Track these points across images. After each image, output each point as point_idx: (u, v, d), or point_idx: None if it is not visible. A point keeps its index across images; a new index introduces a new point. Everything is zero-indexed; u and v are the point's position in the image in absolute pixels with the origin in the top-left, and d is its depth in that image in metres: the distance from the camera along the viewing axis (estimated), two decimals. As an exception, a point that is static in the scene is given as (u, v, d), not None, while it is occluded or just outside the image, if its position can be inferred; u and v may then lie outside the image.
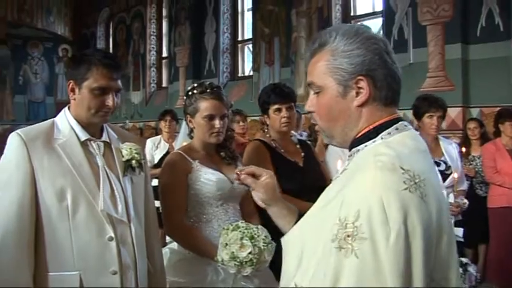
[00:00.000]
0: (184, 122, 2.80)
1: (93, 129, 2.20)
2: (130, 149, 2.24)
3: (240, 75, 11.34)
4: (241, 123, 6.23)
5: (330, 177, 3.28)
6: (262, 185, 1.70)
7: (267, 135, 3.22)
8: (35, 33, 14.77)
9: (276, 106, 3.14)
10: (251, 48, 10.62)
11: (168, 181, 2.61)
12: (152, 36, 13.42)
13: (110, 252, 2.07)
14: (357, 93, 1.38)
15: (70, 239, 2.04)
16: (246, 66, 11.30)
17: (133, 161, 2.23)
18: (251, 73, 10.60)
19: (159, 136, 6.52)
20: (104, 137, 2.24)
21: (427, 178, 1.28)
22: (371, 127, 1.40)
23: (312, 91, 1.46)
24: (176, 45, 12.09)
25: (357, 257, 1.17)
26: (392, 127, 1.39)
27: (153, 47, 13.40)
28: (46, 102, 15.78)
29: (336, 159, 3.31)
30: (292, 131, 3.37)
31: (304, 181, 3.07)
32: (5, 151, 2.09)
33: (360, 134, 1.41)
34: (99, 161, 2.17)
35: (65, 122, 2.17)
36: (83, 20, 15.75)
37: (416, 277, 1.19)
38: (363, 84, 1.37)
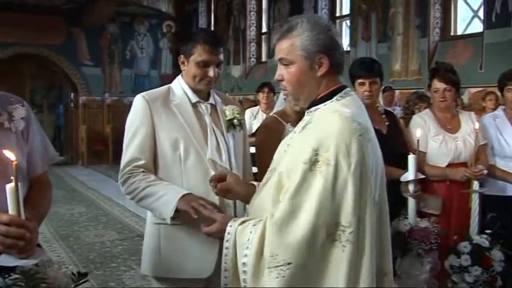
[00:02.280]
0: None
1: (201, 94, 2.63)
2: (232, 110, 2.67)
3: (337, 50, 11.40)
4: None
5: (413, 146, 3.49)
6: (232, 182, 2.17)
7: None
8: (141, 10, 15.44)
9: (361, 80, 3.41)
10: (349, 24, 10.69)
11: (263, 139, 2.95)
12: (252, 12, 13.75)
13: (213, 192, 2.42)
14: (319, 67, 1.88)
15: (181, 180, 2.50)
16: (344, 42, 11.34)
17: (235, 120, 2.66)
18: (348, 48, 10.67)
19: (257, 107, 6.95)
20: (211, 100, 2.68)
21: (369, 129, 1.86)
22: (327, 92, 1.92)
23: (280, 64, 1.94)
24: (275, 21, 12.36)
25: (323, 176, 1.70)
26: (342, 92, 1.92)
27: (252, 23, 13.72)
28: (151, 76, 16.54)
29: (416, 128, 3.52)
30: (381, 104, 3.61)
31: (387, 147, 3.26)
32: (132, 109, 2.59)
33: (319, 96, 1.92)
34: (207, 119, 2.60)
35: (179, 87, 2.64)
36: (186, -3, 16.36)
37: (366, 191, 1.74)
38: (324, 60, 1.87)
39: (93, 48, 15.66)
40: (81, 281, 1.75)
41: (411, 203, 3.14)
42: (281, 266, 1.67)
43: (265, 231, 1.74)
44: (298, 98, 1.96)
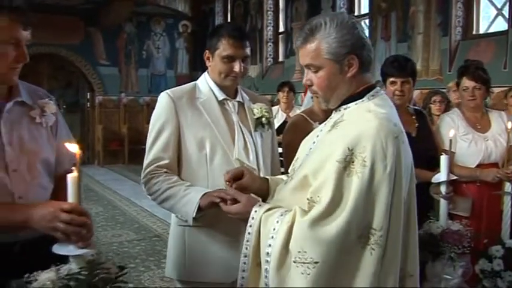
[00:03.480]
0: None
1: (228, 91, 2.54)
2: (260, 108, 2.58)
3: (355, 50, 11.28)
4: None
5: (442, 146, 3.38)
6: (248, 180, 2.08)
7: None
8: (157, 10, 15.38)
9: (392, 79, 3.32)
10: (367, 23, 10.56)
11: (290, 139, 2.84)
12: (269, 12, 13.63)
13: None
14: (349, 67, 1.82)
15: (207, 180, 2.41)
16: (362, 42, 11.21)
17: (263, 119, 2.57)
18: (366, 48, 10.54)
19: (277, 106, 6.83)
20: (238, 98, 2.59)
21: (403, 131, 1.81)
22: (358, 90, 1.87)
23: (308, 69, 1.88)
24: (293, 20, 12.27)
25: (358, 177, 1.66)
26: (374, 90, 1.88)
27: (270, 23, 13.60)
28: (167, 76, 16.49)
29: (449, 128, 3.41)
30: None
31: (416, 149, 3.19)
32: (156, 107, 2.51)
33: (350, 95, 1.87)
34: (234, 117, 2.52)
35: (205, 84, 2.54)
36: (203, -3, 16.35)
37: (398, 194, 1.72)
38: (353, 61, 1.82)
39: (110, 48, 15.65)
40: (121, 273, 1.71)
41: (443, 205, 3.03)
42: (308, 263, 1.65)
43: (293, 225, 1.71)
44: (328, 100, 1.91)
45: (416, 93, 8.24)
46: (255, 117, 2.57)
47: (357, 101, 1.86)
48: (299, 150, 2.09)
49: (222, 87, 2.52)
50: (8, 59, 1.92)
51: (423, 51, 8.96)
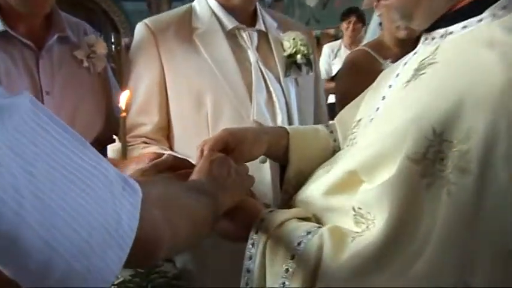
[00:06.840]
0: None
1: (241, 15, 1.74)
2: (294, 39, 1.78)
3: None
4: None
5: None
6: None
7: None
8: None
9: None
10: None
11: (348, 85, 2.19)
12: None
13: (263, 180, 1.57)
14: None
15: None
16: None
17: (298, 56, 1.77)
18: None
19: (339, 41, 5.86)
20: (258, 26, 1.77)
21: None
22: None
23: None
24: None
25: (451, 195, 0.82)
26: None
27: None
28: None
29: None
30: None
31: None
32: (132, 45, 1.75)
33: (454, 9, 0.98)
34: (251, 55, 1.71)
35: (205, 7, 1.74)
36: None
37: None
38: None
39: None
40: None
41: None
42: None
43: (319, 266, 0.92)
44: (410, 15, 1.05)
45: None
46: (286, 54, 1.76)
47: (468, 21, 0.97)
48: (362, 105, 1.28)
49: (231, 11, 1.71)
50: None
51: None
